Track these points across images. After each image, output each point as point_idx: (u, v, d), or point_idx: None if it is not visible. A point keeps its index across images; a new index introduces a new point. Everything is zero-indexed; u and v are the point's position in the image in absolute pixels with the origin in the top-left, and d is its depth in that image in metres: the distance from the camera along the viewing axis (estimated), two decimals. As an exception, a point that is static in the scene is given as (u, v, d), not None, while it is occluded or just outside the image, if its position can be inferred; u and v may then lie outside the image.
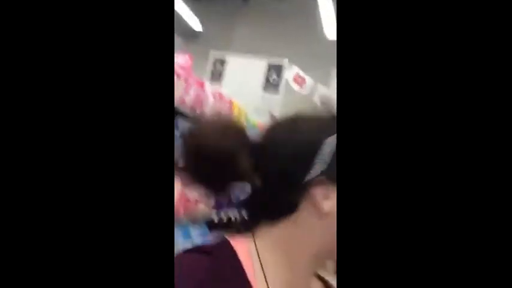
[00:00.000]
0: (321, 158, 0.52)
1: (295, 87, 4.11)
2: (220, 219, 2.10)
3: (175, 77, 1.68)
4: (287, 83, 4.10)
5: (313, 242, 0.55)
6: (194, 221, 1.91)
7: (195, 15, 6.46)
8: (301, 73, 4.11)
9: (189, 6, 6.13)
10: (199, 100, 1.92)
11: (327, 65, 4.24)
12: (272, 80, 4.10)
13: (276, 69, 4.10)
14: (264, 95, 4.05)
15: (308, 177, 0.52)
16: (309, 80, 4.12)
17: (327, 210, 0.53)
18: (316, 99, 4.08)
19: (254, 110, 3.19)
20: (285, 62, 4.11)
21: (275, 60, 4.15)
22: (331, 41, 5.60)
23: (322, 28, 5.64)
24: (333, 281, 0.64)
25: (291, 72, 4.10)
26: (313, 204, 0.54)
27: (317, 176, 0.53)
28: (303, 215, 0.54)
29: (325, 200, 0.53)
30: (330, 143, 0.53)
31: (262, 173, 0.55)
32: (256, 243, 0.56)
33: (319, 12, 5.36)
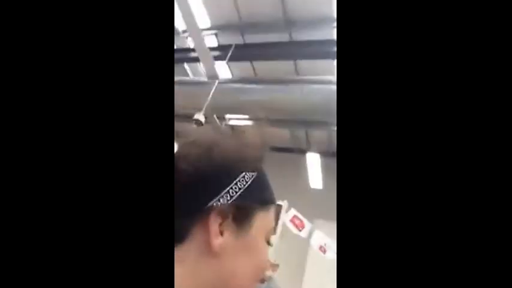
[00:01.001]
0: (234, 188, 0.48)
1: (293, 229, 4.03)
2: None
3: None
4: (284, 225, 4.04)
5: (190, 283, 0.46)
6: None
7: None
8: (300, 216, 4.09)
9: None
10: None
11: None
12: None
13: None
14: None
15: (210, 204, 0.46)
16: (307, 224, 4.06)
17: (216, 248, 0.46)
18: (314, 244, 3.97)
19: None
20: (284, 203, 4.12)
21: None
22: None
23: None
24: None
25: (288, 214, 4.08)
26: (204, 238, 0.46)
27: (223, 204, 0.47)
28: (190, 246, 0.47)
29: (218, 236, 0.46)
30: (248, 179, 0.49)
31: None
32: None
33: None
